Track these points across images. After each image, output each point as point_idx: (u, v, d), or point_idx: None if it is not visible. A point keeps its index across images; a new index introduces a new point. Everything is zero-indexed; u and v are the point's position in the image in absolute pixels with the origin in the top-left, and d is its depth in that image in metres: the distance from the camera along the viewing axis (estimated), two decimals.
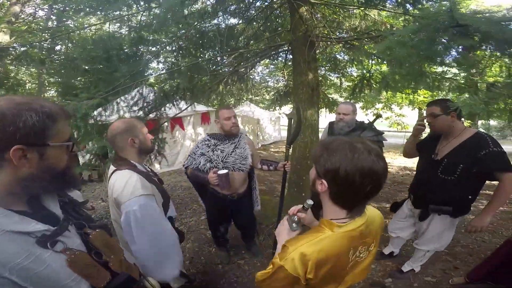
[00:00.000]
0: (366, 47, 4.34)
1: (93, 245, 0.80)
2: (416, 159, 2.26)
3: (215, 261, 2.80)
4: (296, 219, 1.03)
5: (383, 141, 2.49)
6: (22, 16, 9.35)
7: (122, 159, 1.43)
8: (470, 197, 1.82)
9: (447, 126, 1.83)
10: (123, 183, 1.29)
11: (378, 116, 2.65)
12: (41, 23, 9.67)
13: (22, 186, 0.67)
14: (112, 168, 1.42)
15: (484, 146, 1.67)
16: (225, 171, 2.07)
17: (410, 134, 2.27)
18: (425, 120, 1.94)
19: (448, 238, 2.05)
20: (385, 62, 4.25)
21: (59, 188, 0.78)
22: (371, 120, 2.56)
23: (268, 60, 6.77)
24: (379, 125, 3.06)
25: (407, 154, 2.30)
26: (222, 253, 2.83)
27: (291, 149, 2.44)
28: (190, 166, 2.31)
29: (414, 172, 2.24)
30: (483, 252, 2.82)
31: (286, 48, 4.55)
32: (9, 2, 8.10)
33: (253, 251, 2.87)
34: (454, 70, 3.54)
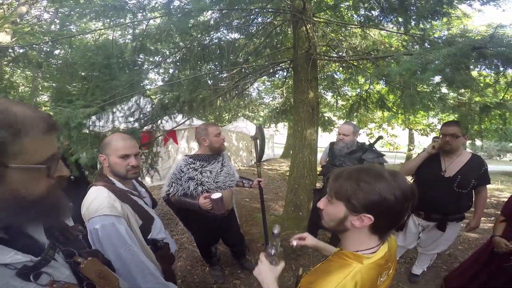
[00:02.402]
0: (362, 66, 4.42)
1: (85, 276, 0.70)
2: None
3: (209, 280, 2.67)
4: (273, 252, 0.98)
5: (384, 163, 2.48)
6: (27, 17, 9.25)
7: (102, 174, 1.39)
8: (470, 204, 2.19)
9: (460, 146, 2.10)
10: (91, 199, 1.26)
11: (380, 138, 2.65)
12: (45, 26, 9.59)
13: None
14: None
15: (483, 164, 2.08)
16: (218, 195, 1.96)
17: (419, 153, 2.41)
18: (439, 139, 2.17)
19: (453, 239, 2.46)
20: (384, 83, 4.33)
21: (29, 221, 0.61)
22: (372, 142, 2.55)
23: (265, 76, 6.85)
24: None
25: (409, 172, 2.38)
26: (217, 273, 2.71)
27: (261, 167, 2.71)
28: (177, 194, 2.12)
29: None
30: None
31: (287, 65, 4.60)
32: (17, 2, 7.97)
33: (247, 266, 2.80)
34: (444, 90, 3.64)
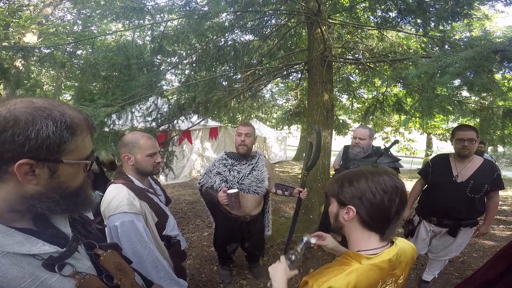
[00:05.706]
0: (379, 69, 4.32)
1: (104, 268, 0.73)
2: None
3: (216, 279, 2.70)
4: (293, 258, 1.01)
5: (399, 168, 2.43)
6: (52, 18, 9.70)
7: (121, 172, 1.42)
8: (483, 209, 2.16)
9: (474, 151, 2.08)
10: (111, 197, 1.29)
11: (395, 142, 2.59)
12: (68, 27, 10.02)
13: (26, 204, 0.58)
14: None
15: (496, 169, 2.08)
16: (235, 190, 1.98)
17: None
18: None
19: (465, 245, 2.40)
20: (402, 86, 4.21)
21: (68, 210, 0.66)
22: (387, 146, 2.50)
23: (279, 78, 6.84)
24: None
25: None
26: (224, 272, 2.73)
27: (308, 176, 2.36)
28: (206, 185, 2.25)
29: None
30: None
31: (301, 67, 4.58)
32: (42, 4, 8.41)
33: (255, 272, 2.77)
34: (465, 93, 3.48)
